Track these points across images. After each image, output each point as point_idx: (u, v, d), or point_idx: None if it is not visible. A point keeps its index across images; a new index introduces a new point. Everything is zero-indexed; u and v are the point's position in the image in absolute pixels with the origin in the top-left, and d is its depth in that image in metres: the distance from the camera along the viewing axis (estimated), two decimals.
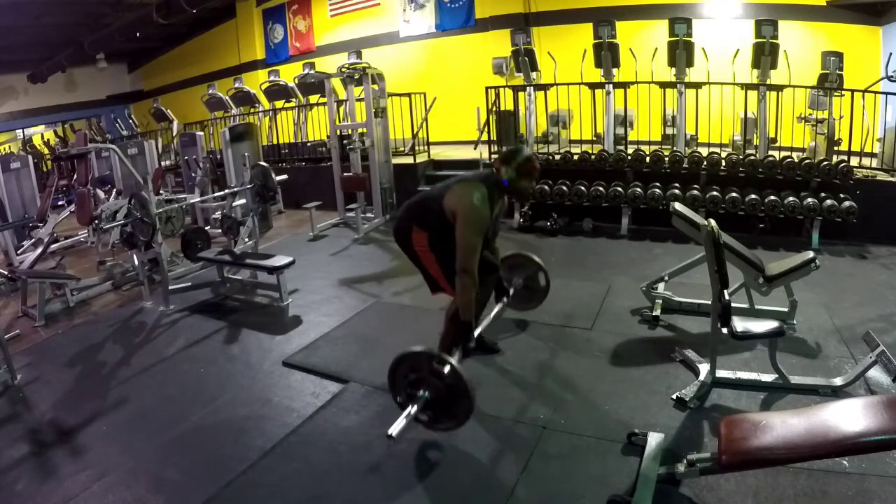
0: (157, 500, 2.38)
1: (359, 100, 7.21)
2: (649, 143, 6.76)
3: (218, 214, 6.65)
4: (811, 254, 3.42)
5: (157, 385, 3.39)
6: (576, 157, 6.53)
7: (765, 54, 6.31)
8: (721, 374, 2.90)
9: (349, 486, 2.37)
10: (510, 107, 7.52)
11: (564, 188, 6.32)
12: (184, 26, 12.18)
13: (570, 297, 4.20)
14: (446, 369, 2.43)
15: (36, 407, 3.25)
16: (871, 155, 6.11)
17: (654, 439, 2.38)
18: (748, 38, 6.51)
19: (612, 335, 3.60)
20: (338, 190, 7.31)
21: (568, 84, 6.97)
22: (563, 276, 4.67)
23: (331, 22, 10.99)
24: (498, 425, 2.71)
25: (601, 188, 6.19)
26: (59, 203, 8.83)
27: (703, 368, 2.96)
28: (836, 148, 6.02)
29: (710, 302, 2.82)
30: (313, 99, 9.23)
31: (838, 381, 2.80)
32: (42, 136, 15.17)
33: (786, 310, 3.51)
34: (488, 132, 7.30)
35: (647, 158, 6.19)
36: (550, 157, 6.74)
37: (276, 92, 9.89)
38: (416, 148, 7.94)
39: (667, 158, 6.11)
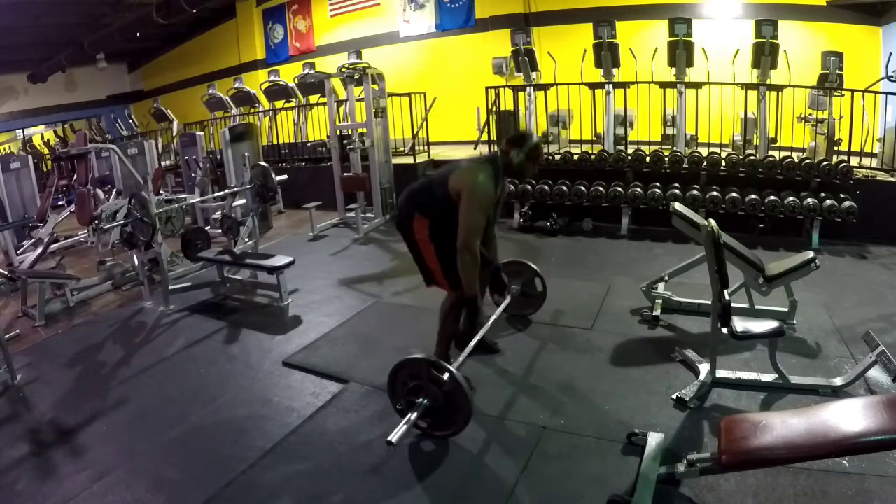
0: (157, 500, 2.38)
1: (359, 100, 7.21)
2: (649, 143, 6.76)
3: (218, 214, 6.65)
4: (811, 254, 3.42)
5: (157, 385, 3.39)
6: (576, 157, 6.53)
7: (765, 54, 6.32)
8: (721, 374, 2.90)
9: (349, 486, 2.37)
10: (510, 107, 7.52)
11: (564, 188, 6.32)
12: (184, 26, 12.18)
13: (570, 297, 4.20)
14: (445, 376, 2.43)
15: (36, 407, 3.25)
16: (871, 155, 6.11)
17: (654, 439, 2.38)
18: (748, 38, 6.51)
19: (612, 335, 3.60)
20: (338, 190, 7.30)
21: (568, 84, 6.97)
22: (563, 276, 4.68)
23: (331, 22, 10.99)
24: (498, 425, 2.71)
25: (601, 188, 6.19)
26: (59, 203, 8.83)
27: (703, 368, 2.96)
28: (836, 148, 6.02)
29: (710, 302, 2.82)
30: (313, 99, 9.23)
31: (838, 381, 2.80)
32: (42, 136, 15.17)
33: (786, 310, 3.51)
34: (488, 132, 7.31)
35: (647, 158, 6.19)
36: (550, 157, 6.73)
37: (276, 92, 9.89)
38: (416, 148, 7.95)
39: (667, 158, 6.11)
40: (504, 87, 7.65)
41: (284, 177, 5.40)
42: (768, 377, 2.86)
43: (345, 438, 2.68)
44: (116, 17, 10.22)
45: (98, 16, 10.20)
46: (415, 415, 2.44)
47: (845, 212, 5.14)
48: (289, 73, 10.39)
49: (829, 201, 5.23)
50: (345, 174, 7.19)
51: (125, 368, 3.65)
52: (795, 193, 5.46)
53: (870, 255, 5.00)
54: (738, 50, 6.57)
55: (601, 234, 6.10)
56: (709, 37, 7.00)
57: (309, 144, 9.22)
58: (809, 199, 5.32)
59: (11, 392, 3.41)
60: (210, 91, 10.66)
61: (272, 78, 10.40)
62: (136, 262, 5.12)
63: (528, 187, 6.48)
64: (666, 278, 3.98)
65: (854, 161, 5.73)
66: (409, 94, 7.81)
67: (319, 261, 5.76)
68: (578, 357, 3.36)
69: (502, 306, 3.61)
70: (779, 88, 6.24)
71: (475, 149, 7.47)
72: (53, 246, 6.25)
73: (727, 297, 2.60)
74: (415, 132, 7.99)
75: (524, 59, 7.54)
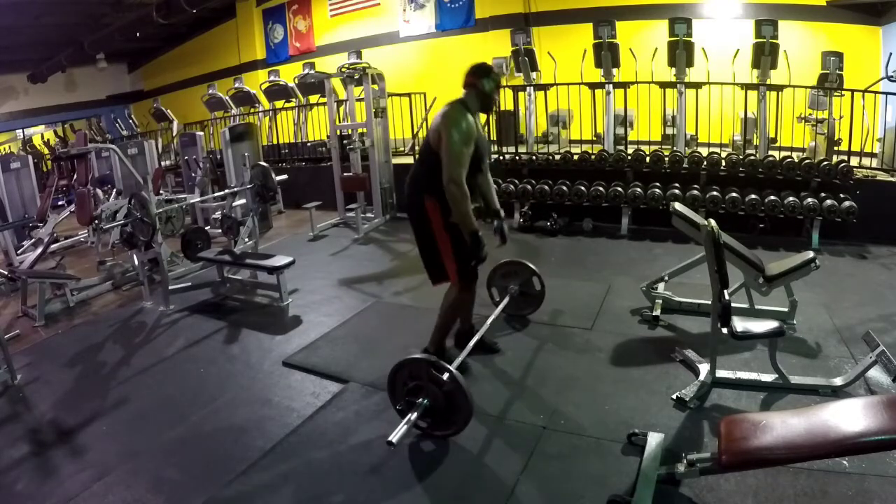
0: (157, 500, 2.38)
1: (359, 100, 7.22)
2: (649, 143, 6.77)
3: (218, 214, 6.65)
4: (811, 254, 3.42)
5: (157, 385, 3.39)
6: (576, 157, 6.53)
7: (765, 54, 6.32)
8: (721, 374, 2.90)
9: (349, 486, 2.37)
10: (510, 107, 7.52)
11: (564, 188, 6.32)
12: (184, 26, 12.18)
13: (569, 297, 4.20)
14: (445, 376, 2.44)
15: (36, 407, 3.25)
16: (871, 155, 6.11)
17: (654, 439, 2.38)
18: (748, 38, 6.51)
19: (612, 335, 3.60)
20: (338, 190, 7.31)
21: (568, 84, 6.97)
22: (563, 276, 4.68)
23: (331, 22, 10.99)
24: (498, 425, 2.71)
25: (601, 188, 6.19)
26: (59, 203, 8.83)
27: (703, 368, 2.96)
28: (836, 148, 6.02)
29: (710, 302, 2.82)
30: (313, 99, 9.23)
31: (838, 381, 2.80)
32: (42, 136, 15.17)
33: (786, 310, 3.51)
34: (488, 132, 7.30)
35: (647, 158, 6.19)
36: (550, 157, 6.74)
37: (276, 92, 9.89)
38: (416, 148, 7.95)
39: (667, 158, 6.11)
40: (504, 87, 7.64)
41: (284, 177, 5.41)
42: (768, 377, 2.85)
43: (345, 438, 2.68)
44: (116, 17, 10.22)
45: (98, 16, 10.19)
46: (415, 415, 2.44)
47: (845, 212, 5.14)
48: (289, 73, 10.39)
49: (829, 201, 5.23)
50: (345, 174, 7.19)
51: (125, 368, 3.65)
52: (795, 193, 5.46)
53: (870, 255, 5.00)
54: (738, 50, 6.57)
55: (601, 234, 6.10)
56: (709, 37, 6.99)
57: (309, 144, 9.22)
58: (809, 199, 5.32)
59: (11, 392, 3.41)
60: (210, 91, 10.66)
61: (272, 78, 10.40)
62: (136, 262, 5.12)
63: (528, 187, 6.49)
64: (666, 278, 3.98)
65: (854, 161, 5.73)
66: (409, 94, 7.81)
67: (319, 261, 5.76)
68: (578, 357, 3.36)
69: (501, 306, 3.62)
70: (779, 88, 6.24)
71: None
72: (53, 246, 6.25)
73: (727, 297, 2.60)
74: (415, 132, 7.99)
75: (524, 59, 7.54)
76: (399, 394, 2.57)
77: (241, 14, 12.11)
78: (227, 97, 10.38)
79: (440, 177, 2.75)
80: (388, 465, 2.47)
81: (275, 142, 9.77)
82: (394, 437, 2.30)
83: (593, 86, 7.03)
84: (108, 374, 3.59)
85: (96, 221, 5.54)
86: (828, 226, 5.28)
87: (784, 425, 1.83)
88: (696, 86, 6.61)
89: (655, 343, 3.49)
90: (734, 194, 5.59)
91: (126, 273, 5.52)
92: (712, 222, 2.74)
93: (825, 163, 5.53)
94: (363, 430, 2.74)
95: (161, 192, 7.03)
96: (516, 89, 7.44)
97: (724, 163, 5.88)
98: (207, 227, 6.45)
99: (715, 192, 5.69)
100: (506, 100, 7.46)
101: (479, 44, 9.18)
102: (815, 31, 7.16)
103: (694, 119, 6.72)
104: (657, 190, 5.93)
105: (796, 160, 5.67)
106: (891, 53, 5.98)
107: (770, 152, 6.20)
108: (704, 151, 6.20)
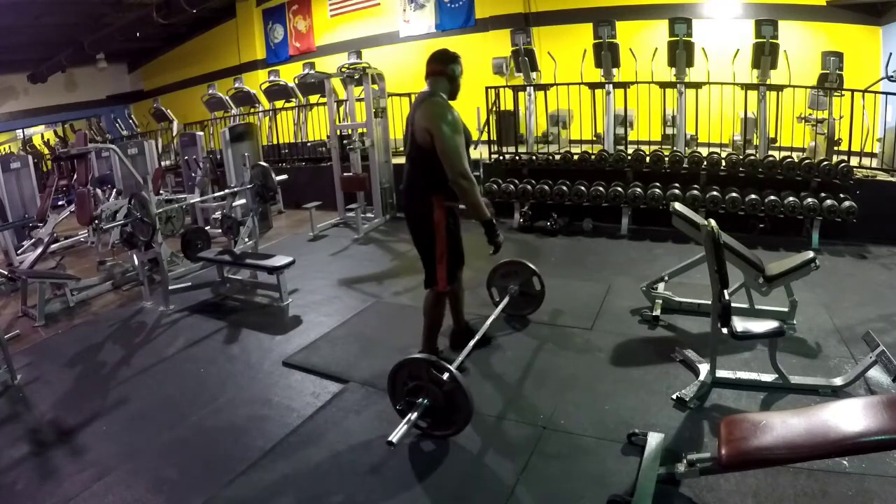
0: (157, 500, 2.38)
1: (359, 100, 7.22)
2: (649, 143, 6.76)
3: (218, 214, 6.65)
4: (811, 254, 3.42)
5: (157, 385, 3.39)
6: (576, 157, 6.54)
7: (765, 54, 6.31)
8: (721, 374, 2.90)
9: (349, 486, 2.37)
10: (510, 107, 7.52)
11: (564, 188, 6.32)
12: (184, 26, 12.18)
13: (569, 297, 4.20)
14: (445, 376, 2.44)
15: (36, 407, 3.25)
16: (871, 155, 6.11)
17: (654, 439, 2.38)
18: (748, 38, 6.51)
19: (612, 335, 3.60)
20: (338, 190, 7.30)
21: (568, 84, 6.97)
22: (563, 276, 4.68)
23: (331, 22, 10.99)
24: (498, 425, 2.71)
25: (601, 188, 6.19)
26: (59, 203, 8.83)
27: (703, 368, 2.96)
28: (836, 148, 6.02)
29: (710, 302, 2.82)
30: (313, 99, 9.23)
31: (838, 381, 2.80)
32: (42, 136, 15.17)
33: (786, 310, 3.51)
34: (488, 132, 7.30)
35: (647, 158, 6.19)
36: (550, 157, 6.74)
37: (276, 92, 9.89)
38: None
39: (667, 158, 6.11)
40: (504, 87, 7.65)
41: (284, 177, 5.41)
42: (768, 377, 2.86)
43: (345, 438, 2.68)
44: (116, 17, 10.22)
45: (98, 16, 10.19)
46: (415, 415, 2.45)
47: (845, 212, 5.14)
48: (289, 73, 10.38)
49: (829, 201, 5.23)
50: (345, 174, 7.19)
51: (125, 368, 3.65)
52: (795, 193, 5.46)
53: (870, 255, 5.00)
54: (738, 50, 6.57)
55: (601, 234, 6.10)
56: (709, 37, 6.99)
57: (309, 144, 9.22)
58: (809, 199, 5.32)
59: (11, 392, 3.41)
60: (210, 91, 10.66)
61: (272, 78, 10.39)
62: (136, 262, 5.12)
63: (528, 187, 6.49)
64: (666, 278, 3.98)
65: (854, 161, 5.73)
66: (409, 94, 7.79)
67: (319, 261, 5.76)
68: (578, 357, 3.36)
69: (501, 306, 3.62)
70: (779, 88, 6.23)
71: (475, 149, 7.45)
72: (53, 246, 6.25)
73: (727, 297, 2.60)
74: None
75: (524, 59, 7.54)
76: (399, 394, 2.57)
77: (241, 14, 12.11)
78: (227, 97, 10.38)
79: (440, 176, 2.74)
80: (388, 465, 2.47)
81: (275, 142, 9.76)
82: (394, 437, 2.30)
83: (593, 86, 7.03)
84: (108, 374, 3.59)
85: (96, 221, 5.54)
86: (828, 226, 5.28)
87: (784, 425, 1.83)
88: (696, 86, 6.61)
89: (655, 343, 3.49)
90: (734, 194, 5.59)
91: (126, 273, 5.53)
92: (712, 222, 2.74)
93: (825, 163, 5.53)
94: (363, 430, 2.74)
95: (161, 192, 7.02)
96: (516, 89, 7.44)
97: (724, 163, 5.88)
98: (207, 227, 6.45)
99: (715, 192, 5.69)
100: (506, 100, 7.45)
101: (479, 44, 9.17)
102: (815, 31, 7.16)
103: (694, 119, 6.72)
104: (657, 190, 5.93)
105: (796, 160, 5.67)
106: (891, 53, 5.98)
107: (770, 152, 6.20)
108: (704, 151, 6.20)
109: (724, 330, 2.65)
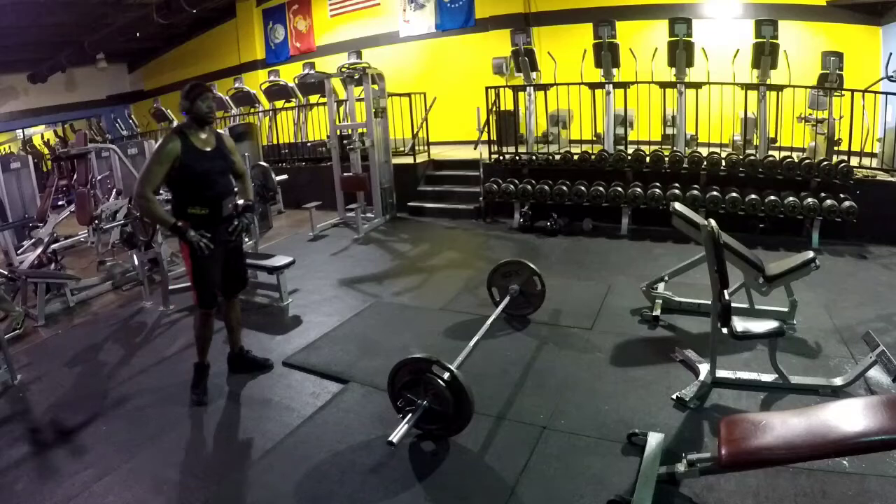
0: (157, 500, 2.38)
1: (359, 100, 7.21)
2: (649, 143, 6.76)
3: None
4: (811, 254, 3.42)
5: (157, 385, 3.39)
6: (576, 157, 6.54)
7: (765, 54, 6.31)
8: (721, 374, 2.90)
9: (349, 486, 2.37)
10: (510, 107, 7.52)
11: (564, 188, 6.32)
12: (184, 26, 12.18)
13: (570, 297, 4.20)
14: (446, 376, 2.44)
15: (36, 407, 3.25)
16: (871, 155, 6.11)
17: (654, 439, 2.38)
18: (748, 38, 6.50)
19: (612, 335, 3.60)
20: (338, 190, 7.31)
21: (568, 84, 6.97)
22: (563, 276, 4.68)
23: (331, 22, 10.99)
24: (498, 425, 2.71)
25: (601, 188, 6.19)
26: (59, 203, 8.82)
27: (703, 368, 2.96)
28: (836, 148, 6.02)
29: (710, 302, 2.82)
30: (313, 99, 9.23)
31: (838, 381, 2.80)
32: (42, 136, 15.17)
33: (786, 310, 3.51)
34: (488, 132, 7.30)
35: (647, 158, 6.20)
36: (550, 157, 6.74)
37: (276, 92, 9.89)
38: (416, 148, 7.94)
39: (667, 158, 6.11)
40: (504, 87, 7.65)
41: (284, 177, 5.41)
42: (768, 377, 2.86)
43: (345, 438, 2.68)
44: (116, 17, 10.22)
45: (98, 16, 10.19)
46: (415, 415, 2.44)
47: (845, 212, 5.14)
48: (289, 73, 10.38)
49: (829, 201, 5.23)
50: (345, 174, 7.19)
51: (125, 368, 3.65)
52: (795, 193, 5.46)
53: (870, 255, 5.00)
54: (738, 50, 6.57)
55: (601, 234, 6.10)
56: (709, 37, 6.99)
57: (309, 144, 9.22)
58: (809, 199, 5.32)
59: (11, 392, 3.41)
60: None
61: (272, 78, 10.39)
62: (136, 262, 5.12)
63: (528, 187, 6.49)
64: (666, 278, 3.98)
65: (854, 161, 5.73)
66: (409, 94, 7.80)
67: (319, 261, 5.76)
68: (578, 357, 3.36)
69: (501, 306, 3.62)
70: (779, 88, 6.23)
71: (475, 149, 7.46)
72: (53, 246, 6.24)
73: (727, 297, 2.60)
74: (415, 132, 7.98)
75: (524, 59, 7.53)
76: (399, 394, 2.57)
77: (241, 14, 12.11)
78: (227, 97, 10.38)
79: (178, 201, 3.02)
80: (388, 465, 2.47)
81: (275, 142, 9.76)
82: (394, 437, 2.30)
83: (593, 86, 7.03)
84: (108, 374, 3.59)
85: (96, 221, 5.54)
86: (828, 226, 5.29)
87: (784, 425, 1.83)
88: (696, 86, 6.61)
89: (655, 343, 3.49)
90: (734, 194, 5.59)
91: (126, 273, 5.52)
92: (712, 222, 2.74)
93: (825, 163, 5.53)
94: (363, 430, 2.74)
95: (161, 192, 7.00)
96: (516, 89, 7.44)
97: (724, 163, 5.88)
98: None
99: (715, 192, 5.69)
100: (506, 100, 7.45)
101: (479, 44, 9.19)
102: (815, 31, 7.16)
103: (694, 119, 6.72)
104: (657, 190, 5.93)
105: (796, 160, 5.67)
106: (891, 53, 5.98)
107: (770, 152, 6.20)
108: (704, 151, 6.20)
109: (724, 330, 2.65)
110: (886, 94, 5.93)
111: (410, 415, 2.45)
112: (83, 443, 2.83)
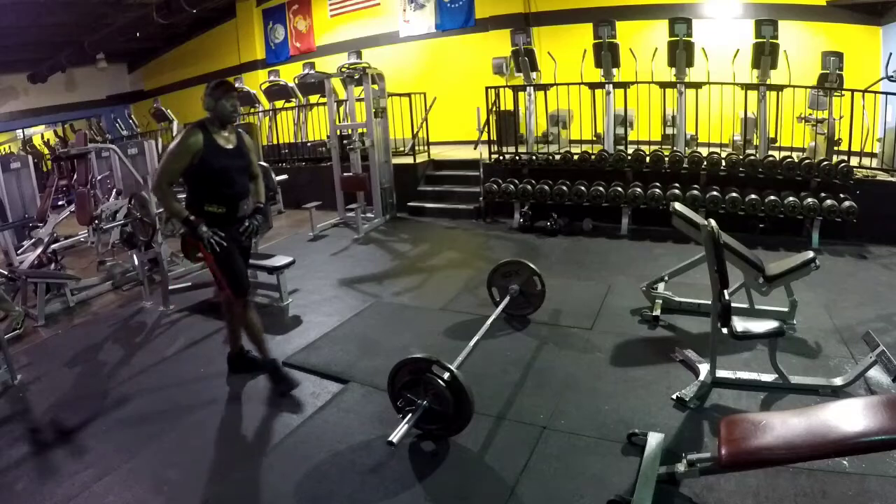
0: (157, 500, 2.38)
1: (359, 100, 7.21)
2: (649, 143, 6.76)
3: None
4: (811, 254, 3.42)
5: (157, 385, 3.39)
6: (576, 157, 6.54)
7: (765, 54, 6.31)
8: (721, 374, 2.90)
9: (349, 486, 2.37)
10: (510, 107, 7.52)
11: (564, 188, 6.32)
12: (184, 26, 12.19)
13: (570, 297, 4.20)
14: (446, 376, 2.44)
15: (36, 407, 3.25)
16: (871, 155, 6.11)
17: (654, 439, 2.38)
18: (748, 38, 6.50)
19: (612, 335, 3.60)
20: (338, 190, 7.31)
21: (568, 84, 6.97)
22: (563, 276, 4.68)
23: (331, 22, 10.99)
24: (498, 425, 2.71)
25: (601, 188, 6.19)
26: (59, 203, 8.82)
27: (703, 368, 2.96)
28: (836, 148, 6.02)
29: (710, 302, 2.82)
30: (313, 99, 9.23)
31: (838, 381, 2.80)
32: (42, 136, 15.17)
33: (786, 310, 3.51)
34: (488, 132, 7.30)
35: (647, 158, 6.20)
36: (550, 157, 6.74)
37: (276, 92, 9.89)
38: (416, 148, 7.94)
39: (667, 158, 6.11)
40: (504, 87, 7.65)
41: (284, 177, 5.41)
42: (768, 377, 2.85)
43: (345, 438, 2.68)
44: (116, 17, 10.22)
45: (98, 16, 10.19)
46: (415, 415, 2.44)
47: (845, 212, 5.14)
48: (289, 73, 10.38)
49: (829, 201, 5.23)
50: (345, 174, 7.19)
51: (125, 368, 3.65)
52: (795, 193, 5.46)
53: (870, 255, 5.00)
54: (738, 50, 6.57)
55: (601, 234, 6.10)
56: (709, 37, 6.99)
57: (309, 144, 9.22)
58: (809, 199, 5.32)
59: (11, 392, 3.41)
60: None
61: (272, 78, 10.40)
62: (136, 262, 5.12)
63: (528, 187, 6.49)
64: (666, 278, 3.98)
65: (854, 161, 5.73)
66: (409, 94, 7.80)
67: (319, 261, 5.76)
68: (578, 357, 3.36)
69: (501, 306, 3.62)
70: (779, 88, 6.23)
71: (475, 149, 7.46)
72: (54, 246, 6.24)
73: (727, 297, 2.60)
74: (415, 132, 7.98)
75: (524, 59, 7.54)
76: (399, 394, 2.57)
77: (241, 14, 12.11)
78: None
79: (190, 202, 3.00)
80: (388, 465, 2.47)
81: (275, 142, 9.76)
82: (394, 437, 2.30)
83: (593, 86, 7.03)
84: (108, 374, 3.59)
85: (96, 221, 5.54)
86: (828, 226, 5.29)
87: (784, 425, 1.83)
88: (696, 86, 6.61)
89: (655, 343, 3.49)
90: (734, 194, 5.59)
91: (126, 273, 5.52)
92: (712, 222, 2.74)
93: (825, 163, 5.53)
94: (363, 430, 2.74)
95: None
96: (516, 89, 7.44)
97: (724, 163, 5.88)
98: None
99: (715, 192, 5.69)
100: (506, 100, 7.45)
101: (479, 44, 9.18)
102: (815, 31, 7.16)
103: (694, 119, 6.72)
104: (657, 190, 5.93)
105: (796, 160, 5.67)
106: (891, 53, 5.98)
107: (770, 152, 6.20)
108: (704, 151, 6.20)
109: (724, 330, 2.65)
110: (886, 94, 5.93)
111: (410, 415, 2.45)
112: (83, 443, 2.83)
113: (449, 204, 7.44)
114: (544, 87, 7.36)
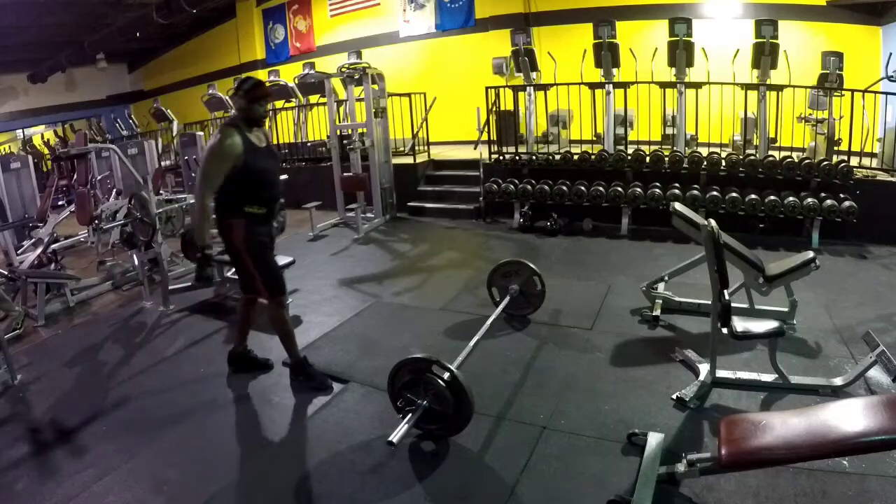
0: (157, 500, 2.38)
1: (359, 100, 7.21)
2: (649, 143, 6.76)
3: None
4: (811, 254, 3.42)
5: (157, 385, 3.39)
6: (576, 157, 6.54)
7: (765, 54, 6.31)
8: (721, 374, 2.90)
9: (349, 486, 2.37)
10: (510, 107, 7.52)
11: (564, 188, 6.32)
12: (184, 26, 12.19)
13: (570, 297, 4.20)
14: (446, 376, 2.44)
15: (36, 407, 3.25)
16: (871, 155, 6.11)
17: (654, 439, 2.38)
18: (748, 38, 6.51)
19: (612, 335, 3.60)
20: (338, 190, 7.31)
21: (568, 84, 6.97)
22: (563, 276, 4.68)
23: (331, 22, 11.00)
24: (498, 425, 2.71)
25: (601, 188, 6.19)
26: (59, 203, 8.82)
27: (703, 368, 2.96)
28: (836, 148, 6.02)
29: (710, 302, 2.82)
30: (313, 99, 9.23)
31: (838, 381, 2.80)
32: (42, 136, 15.17)
33: (786, 310, 3.51)
34: (488, 132, 7.30)
35: (647, 158, 6.20)
36: (550, 157, 6.74)
37: (277, 92, 9.87)
38: (416, 148, 7.95)
39: (667, 158, 6.11)
40: (504, 87, 7.65)
41: (284, 177, 5.37)
42: (768, 377, 2.85)
43: (345, 438, 2.68)
44: (116, 17, 10.23)
45: (98, 16, 10.20)
46: (415, 415, 2.44)
47: (845, 212, 5.14)
48: (289, 73, 10.39)
49: (829, 201, 5.23)
50: (345, 174, 7.19)
51: (125, 368, 3.65)
52: (795, 193, 5.46)
53: (870, 255, 5.00)
54: (738, 50, 6.57)
55: (601, 234, 6.10)
56: (709, 37, 6.99)
57: (309, 144, 9.22)
58: (809, 199, 5.32)
59: (11, 392, 3.41)
60: (210, 91, 10.65)
61: (272, 78, 10.39)
62: (136, 262, 5.11)
63: (528, 187, 6.49)
64: (666, 278, 3.98)
65: (854, 161, 5.73)
66: (409, 94, 7.80)
67: (319, 261, 5.76)
68: (578, 357, 3.36)
69: (501, 306, 3.62)
70: (779, 88, 6.23)
71: (475, 149, 7.46)
72: (54, 246, 6.24)
73: (727, 297, 2.60)
74: (415, 132, 7.98)
75: (524, 59, 7.54)
76: (399, 394, 2.57)
77: (241, 14, 12.11)
78: (227, 97, 10.37)
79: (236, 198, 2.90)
80: (388, 465, 2.47)
81: (275, 142, 9.76)
82: (394, 437, 2.30)
83: (593, 86, 7.03)
84: (108, 374, 3.59)
85: (96, 221, 5.54)
86: (828, 226, 5.29)
87: (784, 425, 1.83)
88: (696, 86, 6.61)
89: (655, 343, 3.49)
90: (734, 194, 5.59)
91: (126, 273, 5.52)
92: (712, 222, 2.74)
93: (825, 163, 5.53)
94: (363, 430, 2.74)
95: (161, 192, 7.02)
96: (516, 89, 7.44)
97: (724, 163, 5.88)
98: None
99: (715, 192, 5.69)
100: (506, 100, 7.45)
101: (479, 44, 9.18)
102: (815, 31, 7.16)
103: (694, 119, 6.72)
104: (657, 190, 5.93)
105: (796, 160, 5.67)
106: (891, 53, 5.98)
107: (770, 152, 6.20)
108: (704, 151, 6.20)
109: (724, 330, 2.65)
110: (886, 94, 5.93)
111: (410, 415, 2.45)
112: (83, 443, 2.83)
113: (449, 204, 7.44)
114: (544, 87, 7.36)
